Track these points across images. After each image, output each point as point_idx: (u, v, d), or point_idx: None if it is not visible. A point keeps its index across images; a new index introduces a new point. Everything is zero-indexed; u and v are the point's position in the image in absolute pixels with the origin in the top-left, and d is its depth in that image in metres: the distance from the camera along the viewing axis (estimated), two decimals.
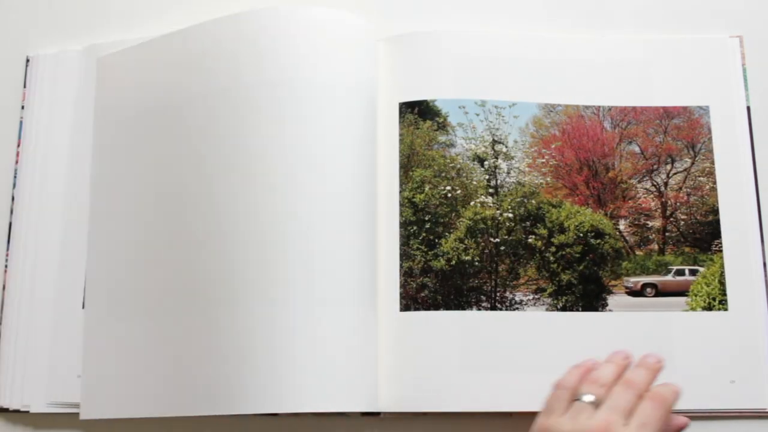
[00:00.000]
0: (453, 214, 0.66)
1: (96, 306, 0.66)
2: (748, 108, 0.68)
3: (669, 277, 0.65)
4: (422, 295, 0.64)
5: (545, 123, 0.68)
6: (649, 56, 0.69)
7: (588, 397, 0.53)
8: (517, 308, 0.64)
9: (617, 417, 0.51)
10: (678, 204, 0.67)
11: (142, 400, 0.63)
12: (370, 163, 0.66)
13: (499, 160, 0.67)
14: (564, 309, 0.64)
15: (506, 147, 0.68)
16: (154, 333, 0.64)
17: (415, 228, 0.66)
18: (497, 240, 0.66)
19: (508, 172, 0.67)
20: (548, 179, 0.68)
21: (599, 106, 0.68)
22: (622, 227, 0.67)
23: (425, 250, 0.65)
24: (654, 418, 0.51)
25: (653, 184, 0.68)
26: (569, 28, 0.71)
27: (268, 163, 0.64)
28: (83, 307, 0.67)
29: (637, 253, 0.66)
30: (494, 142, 0.68)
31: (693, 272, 0.65)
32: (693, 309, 0.64)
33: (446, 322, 0.63)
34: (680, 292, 0.65)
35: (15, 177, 0.70)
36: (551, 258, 0.66)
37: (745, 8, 0.71)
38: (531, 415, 0.62)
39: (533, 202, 0.67)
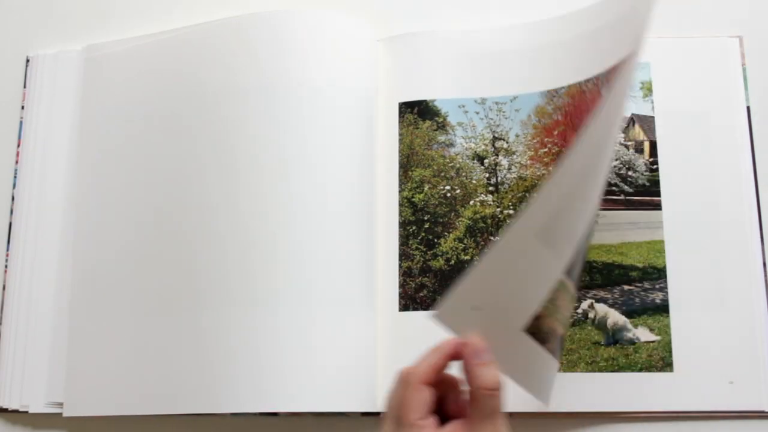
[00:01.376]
0: (452, 214, 0.66)
1: (82, 303, 0.66)
2: (748, 108, 0.68)
3: None
4: (421, 295, 0.64)
5: (548, 110, 0.68)
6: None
7: None
8: None
9: None
10: None
11: (130, 397, 0.63)
12: (369, 163, 0.66)
13: (500, 157, 0.67)
14: None
15: (507, 143, 0.68)
16: (145, 332, 0.64)
17: (414, 228, 0.66)
18: (497, 238, 0.66)
19: (509, 168, 0.67)
20: (551, 168, 0.67)
21: (597, 76, 0.67)
22: None
23: (424, 250, 0.65)
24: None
25: None
26: None
27: (265, 164, 0.64)
28: (69, 305, 0.67)
29: None
30: (495, 138, 0.68)
31: None
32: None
33: None
34: None
35: (15, 177, 0.70)
36: None
37: (744, 8, 0.71)
38: (531, 415, 0.62)
39: (535, 195, 0.67)
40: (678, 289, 0.64)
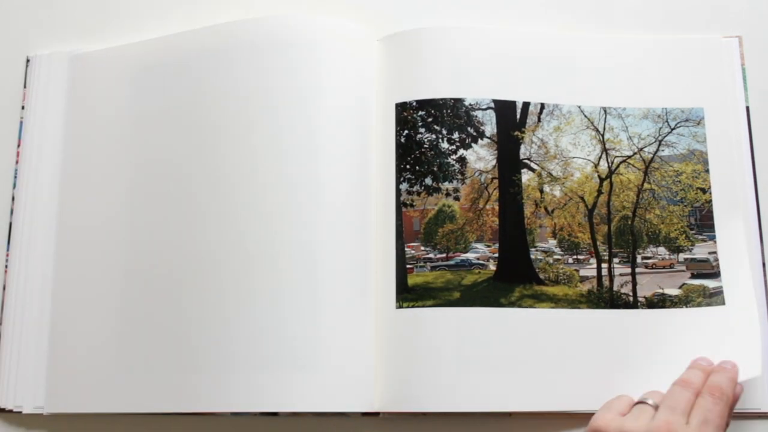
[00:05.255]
0: None
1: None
2: (747, 108, 0.68)
3: None
4: None
5: None
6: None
7: (650, 401, 0.55)
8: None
9: (678, 417, 0.52)
10: None
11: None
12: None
13: None
14: None
15: None
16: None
17: None
18: None
19: None
20: None
21: None
22: None
23: None
24: (715, 413, 0.53)
25: None
26: (566, 28, 0.71)
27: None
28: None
29: None
30: None
31: None
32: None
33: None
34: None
35: (15, 177, 0.70)
36: None
37: (744, 8, 0.71)
38: (531, 415, 0.62)
39: None
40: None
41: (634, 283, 0.65)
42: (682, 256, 0.66)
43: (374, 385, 0.62)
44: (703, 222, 0.66)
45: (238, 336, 0.61)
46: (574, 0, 0.72)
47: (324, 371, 0.60)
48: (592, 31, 0.71)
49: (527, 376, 0.61)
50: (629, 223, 0.66)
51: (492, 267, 0.65)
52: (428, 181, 0.66)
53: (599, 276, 0.65)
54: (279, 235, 0.63)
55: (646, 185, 0.67)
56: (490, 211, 0.66)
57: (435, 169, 0.66)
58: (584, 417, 0.62)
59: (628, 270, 0.65)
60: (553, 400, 0.61)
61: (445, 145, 0.67)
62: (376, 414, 0.63)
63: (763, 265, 0.65)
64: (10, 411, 0.65)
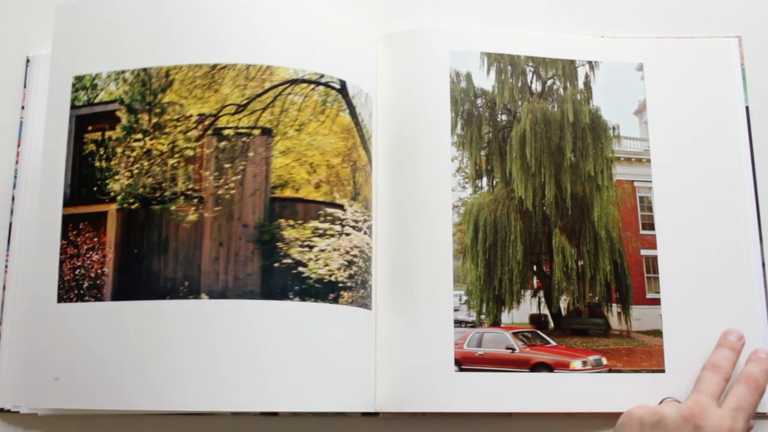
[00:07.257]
0: None
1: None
2: (747, 108, 0.68)
3: None
4: None
5: None
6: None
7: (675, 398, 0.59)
8: None
9: (708, 398, 0.56)
10: None
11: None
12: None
13: None
14: None
15: None
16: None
17: None
18: None
19: None
20: None
21: None
22: None
23: None
24: (749, 403, 0.56)
25: None
26: (567, 28, 0.71)
27: None
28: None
29: None
30: None
31: None
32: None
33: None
34: None
35: (15, 177, 0.70)
36: None
37: (744, 8, 0.72)
38: (530, 416, 0.62)
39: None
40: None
41: None
42: None
43: (376, 386, 0.62)
44: None
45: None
46: (575, 2, 0.72)
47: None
48: (591, 33, 0.71)
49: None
50: None
51: None
52: None
53: None
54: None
55: None
56: None
57: None
58: (584, 417, 0.62)
59: None
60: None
61: None
62: (376, 414, 0.63)
63: (763, 265, 0.65)
64: (8, 411, 0.65)
